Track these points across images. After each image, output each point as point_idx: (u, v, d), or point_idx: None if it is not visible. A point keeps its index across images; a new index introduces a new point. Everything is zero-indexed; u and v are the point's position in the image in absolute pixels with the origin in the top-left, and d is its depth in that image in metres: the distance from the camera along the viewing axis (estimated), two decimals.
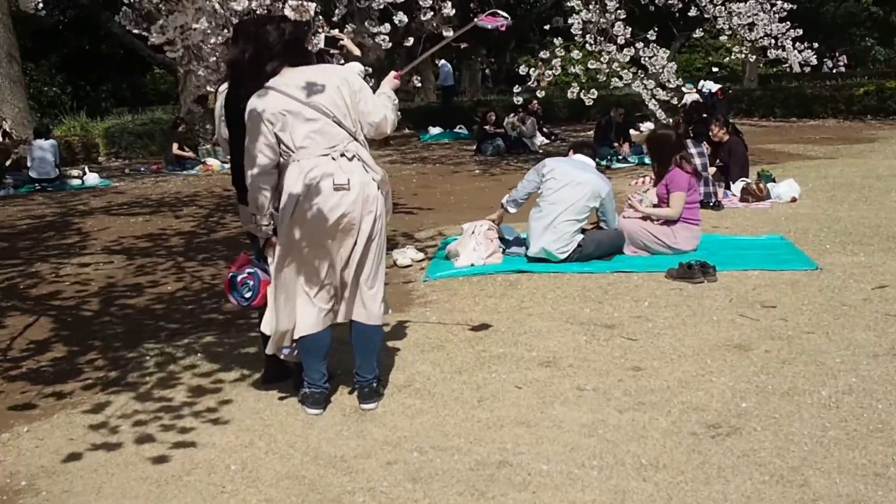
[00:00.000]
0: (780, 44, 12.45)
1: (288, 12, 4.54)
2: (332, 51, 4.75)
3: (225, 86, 4.17)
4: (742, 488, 3.11)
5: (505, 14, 4.22)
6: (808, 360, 4.38)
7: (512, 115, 16.96)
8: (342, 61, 4.46)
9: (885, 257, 6.41)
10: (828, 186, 10.17)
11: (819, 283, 5.80)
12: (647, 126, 18.50)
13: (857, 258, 6.45)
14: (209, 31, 4.81)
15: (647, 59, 11.37)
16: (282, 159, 3.75)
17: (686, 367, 4.33)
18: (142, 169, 15.35)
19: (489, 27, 4.32)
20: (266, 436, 3.72)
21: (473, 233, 6.81)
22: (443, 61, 21.96)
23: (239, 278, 3.96)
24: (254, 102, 3.72)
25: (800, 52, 12.33)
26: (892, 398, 3.86)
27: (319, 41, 4.80)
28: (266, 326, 3.95)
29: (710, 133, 10.19)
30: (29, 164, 12.98)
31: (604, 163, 12.55)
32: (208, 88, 5.48)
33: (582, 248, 6.53)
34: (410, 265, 6.91)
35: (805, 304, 5.31)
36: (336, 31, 4.53)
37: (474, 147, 16.48)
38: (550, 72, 11.82)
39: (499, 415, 3.83)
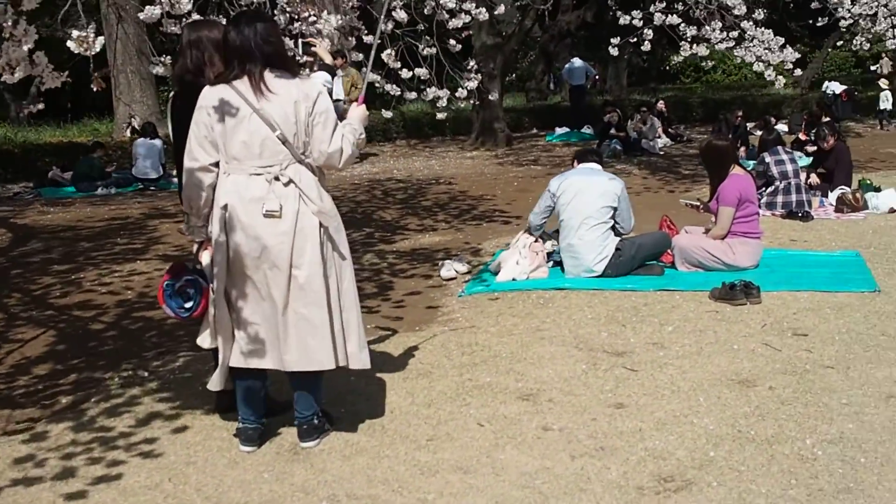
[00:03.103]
0: None
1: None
2: (303, 58, 4.62)
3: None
4: None
5: None
6: (811, 399, 3.97)
7: (636, 115, 16.45)
8: (310, 69, 4.30)
9: None
10: None
11: (870, 307, 5.28)
12: (780, 127, 17.60)
13: None
14: None
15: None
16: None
17: (672, 406, 4.00)
18: None
19: None
20: (180, 476, 3.58)
21: (519, 246, 6.59)
22: (576, 60, 21.49)
23: (177, 286, 3.74)
24: (206, 96, 3.54)
25: None
26: (880, 451, 3.43)
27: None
28: (203, 341, 3.77)
29: (819, 141, 9.53)
30: (133, 162, 13.18)
31: None
32: None
33: (621, 251, 6.20)
34: (454, 278, 6.74)
35: (840, 333, 4.84)
36: (311, 38, 4.37)
37: (596, 146, 16.04)
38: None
39: (441, 458, 3.63)
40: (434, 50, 7.34)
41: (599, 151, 6.82)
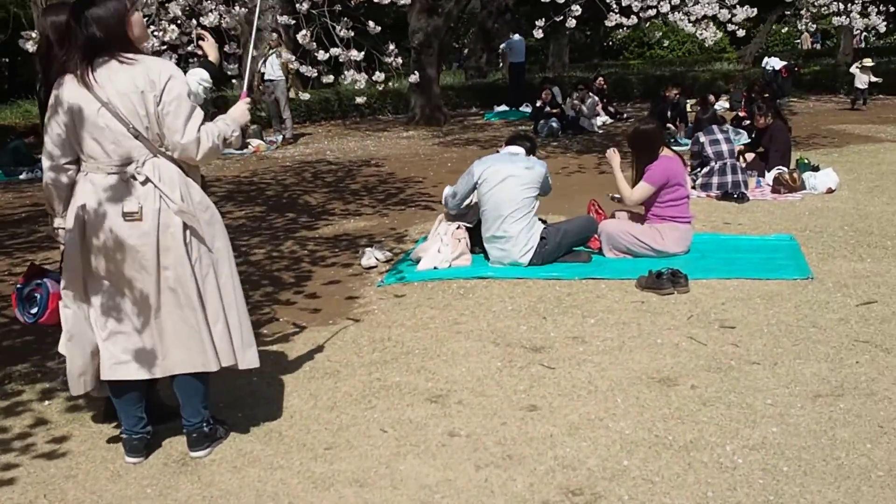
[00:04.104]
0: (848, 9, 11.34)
1: None
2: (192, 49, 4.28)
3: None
4: None
5: None
6: (735, 400, 3.73)
7: (574, 93, 16.22)
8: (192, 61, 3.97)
9: (894, 263, 5.60)
10: (875, 176, 9.20)
11: (801, 296, 5.08)
12: (721, 104, 17.50)
13: (861, 265, 5.66)
14: None
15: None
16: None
17: (588, 408, 3.74)
18: None
19: None
20: (57, 492, 3.28)
21: (440, 233, 6.29)
22: (516, 35, 21.12)
23: (26, 291, 3.49)
24: (54, 92, 3.24)
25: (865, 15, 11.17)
26: (803, 458, 3.21)
27: (172, 32, 4.37)
28: (63, 347, 3.45)
29: (754, 121, 9.35)
30: None
31: None
32: None
33: (546, 240, 5.94)
34: (374, 266, 6.42)
35: (769, 325, 4.62)
36: (202, 30, 4.00)
37: (531, 127, 15.80)
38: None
39: (337, 469, 3.33)
40: (351, 32, 6.98)
41: (532, 136, 6.50)
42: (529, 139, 6.46)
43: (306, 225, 8.23)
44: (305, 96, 7.49)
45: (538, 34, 9.16)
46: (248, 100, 3.62)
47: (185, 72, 3.54)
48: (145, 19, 4.54)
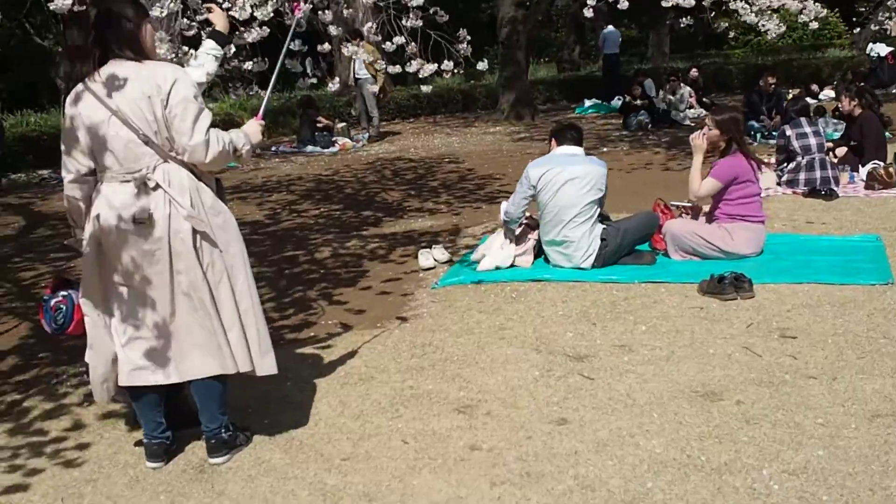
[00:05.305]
0: None
1: None
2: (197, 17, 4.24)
3: None
4: None
5: None
6: (782, 418, 3.45)
7: (667, 84, 15.74)
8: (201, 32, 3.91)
9: None
10: None
11: (877, 303, 4.72)
12: (826, 93, 16.72)
13: None
14: None
15: None
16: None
17: (621, 423, 3.52)
18: (274, 148, 14.80)
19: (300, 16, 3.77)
20: (76, 496, 3.27)
21: (505, 232, 6.08)
22: (610, 27, 20.68)
23: (52, 302, 3.49)
24: (68, 103, 3.24)
25: None
26: (848, 485, 2.92)
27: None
28: (87, 355, 3.44)
29: (840, 107, 8.81)
30: None
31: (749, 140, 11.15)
32: None
33: (606, 241, 5.68)
34: (433, 267, 6.27)
35: (835, 335, 4.29)
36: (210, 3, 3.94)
37: (621, 121, 15.39)
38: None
39: (349, 482, 3.21)
40: (420, 22, 6.86)
41: (578, 125, 6.20)
42: (577, 129, 6.13)
43: (376, 222, 8.15)
44: (427, 88, 7.37)
45: (588, 13, 8.65)
46: (263, 122, 3.59)
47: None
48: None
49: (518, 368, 4.18)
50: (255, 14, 4.67)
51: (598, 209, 5.81)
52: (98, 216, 3.21)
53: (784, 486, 2.95)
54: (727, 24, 10.33)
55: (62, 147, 3.28)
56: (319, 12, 5.84)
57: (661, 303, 5.02)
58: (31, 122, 15.22)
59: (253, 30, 4.80)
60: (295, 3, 4.00)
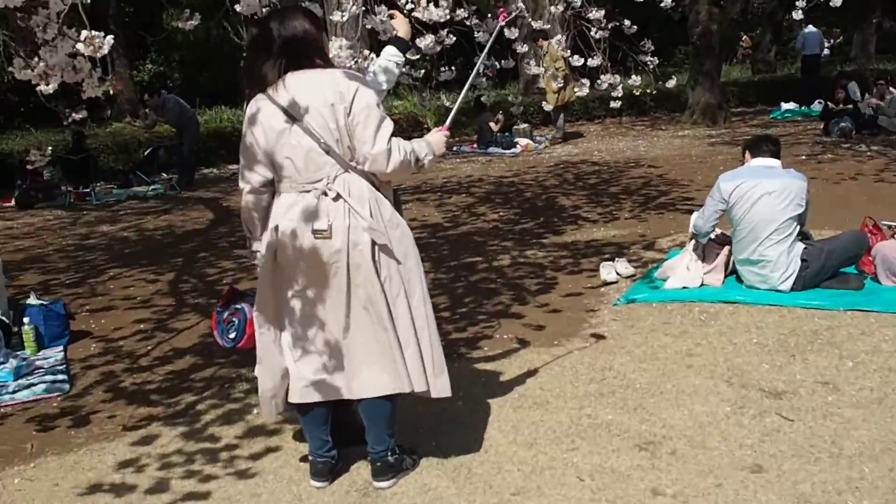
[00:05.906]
0: None
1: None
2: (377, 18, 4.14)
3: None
4: None
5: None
6: None
7: (874, 88, 14.67)
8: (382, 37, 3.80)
9: None
10: None
11: None
12: None
13: None
14: None
15: None
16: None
17: (825, 476, 3.15)
18: (455, 149, 14.70)
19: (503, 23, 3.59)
20: None
21: (690, 248, 5.73)
22: (810, 26, 19.53)
23: (225, 315, 3.46)
24: (248, 112, 3.19)
25: None
26: None
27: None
28: (256, 370, 3.40)
29: None
30: None
31: None
32: None
33: (808, 262, 5.22)
34: (615, 281, 5.98)
35: None
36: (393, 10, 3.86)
37: (822, 127, 14.44)
38: None
39: None
40: (606, 33, 6.62)
41: (776, 138, 5.72)
42: (774, 141, 5.68)
43: (557, 229, 7.92)
44: (617, 103, 7.25)
45: (797, 15, 8.16)
46: (448, 133, 3.45)
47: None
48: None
49: (707, 402, 3.86)
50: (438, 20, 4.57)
51: (798, 226, 5.36)
52: (276, 227, 3.14)
53: None
54: None
55: (240, 158, 3.24)
56: (505, 30, 5.72)
57: (871, 335, 4.55)
58: (225, 118, 15.87)
59: (428, 36, 4.70)
60: (501, 10, 3.86)
